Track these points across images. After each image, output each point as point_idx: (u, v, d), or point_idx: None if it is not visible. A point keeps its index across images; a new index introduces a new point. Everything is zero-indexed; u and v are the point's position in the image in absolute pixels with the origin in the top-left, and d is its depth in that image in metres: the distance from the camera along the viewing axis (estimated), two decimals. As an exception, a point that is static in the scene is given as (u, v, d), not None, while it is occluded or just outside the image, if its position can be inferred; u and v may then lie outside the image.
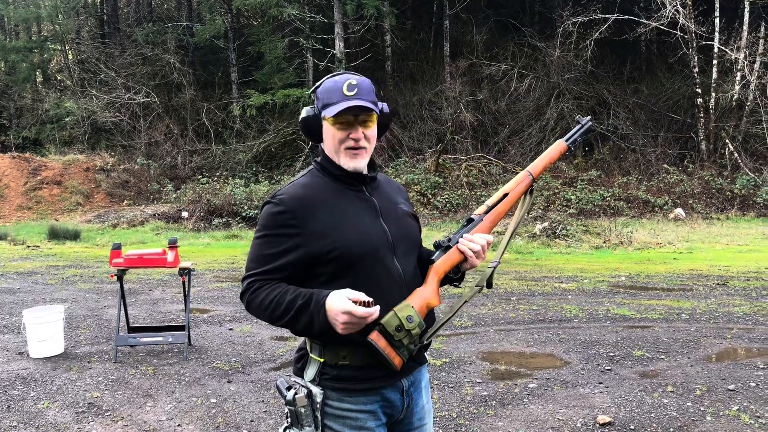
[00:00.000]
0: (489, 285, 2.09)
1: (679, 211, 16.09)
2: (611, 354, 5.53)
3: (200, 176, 19.77)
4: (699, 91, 19.34)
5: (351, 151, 1.91)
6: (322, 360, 1.89)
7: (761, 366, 5.16)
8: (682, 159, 19.14)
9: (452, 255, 2.01)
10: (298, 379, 1.93)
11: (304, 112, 1.96)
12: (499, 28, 24.33)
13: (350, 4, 21.54)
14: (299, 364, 1.97)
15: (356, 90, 1.88)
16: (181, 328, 5.82)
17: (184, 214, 16.58)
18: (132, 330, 5.87)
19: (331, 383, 1.89)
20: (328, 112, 1.89)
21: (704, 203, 16.60)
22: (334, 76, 1.95)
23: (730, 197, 16.75)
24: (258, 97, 21.18)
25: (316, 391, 1.88)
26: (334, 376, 1.88)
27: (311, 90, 1.98)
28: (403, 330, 1.82)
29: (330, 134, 1.92)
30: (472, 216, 2.10)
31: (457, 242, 2.01)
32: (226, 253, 12.57)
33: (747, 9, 19.30)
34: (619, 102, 21.28)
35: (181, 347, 5.81)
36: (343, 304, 1.73)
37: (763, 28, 19.36)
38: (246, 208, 16.12)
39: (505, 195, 2.12)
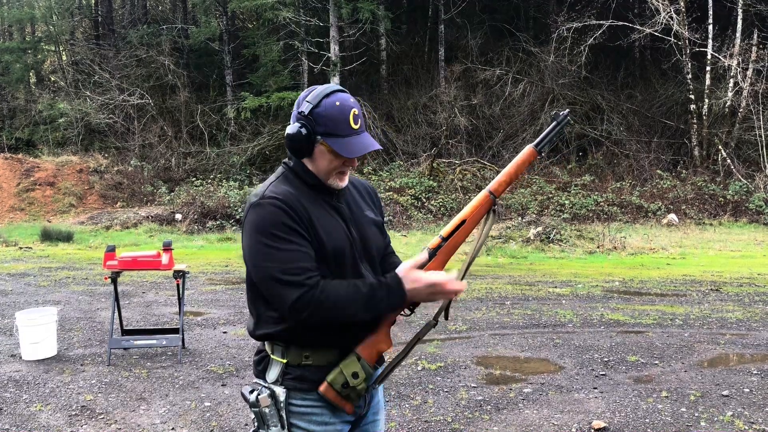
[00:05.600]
0: (445, 317, 2.02)
1: (672, 216, 16.15)
2: (606, 359, 5.54)
3: (194, 178, 19.72)
4: (692, 97, 19.42)
5: (341, 175, 1.95)
6: (284, 361, 1.91)
7: (755, 372, 5.17)
8: (675, 165, 19.21)
9: None
10: (260, 381, 1.96)
11: (294, 129, 1.87)
12: (494, 33, 24.40)
13: (345, 8, 21.56)
14: (260, 366, 1.99)
15: (360, 122, 1.90)
16: (175, 331, 5.79)
17: (178, 216, 16.53)
18: (125, 333, 5.85)
19: (294, 383, 1.91)
20: (342, 150, 1.87)
21: (697, 209, 16.66)
22: (330, 97, 1.88)
23: (722, 203, 16.81)
24: (253, 100, 21.17)
25: (279, 390, 1.90)
26: (297, 375, 1.91)
27: (305, 108, 1.87)
28: (349, 387, 1.88)
29: (326, 159, 1.90)
30: (425, 248, 1.98)
31: None
32: (220, 255, 12.53)
33: (740, 16, 19.44)
34: (612, 107, 21.36)
35: (174, 350, 5.78)
36: (428, 277, 1.89)
37: (755, 36, 19.47)
38: (240, 210, 16.06)
39: (463, 222, 1.98)
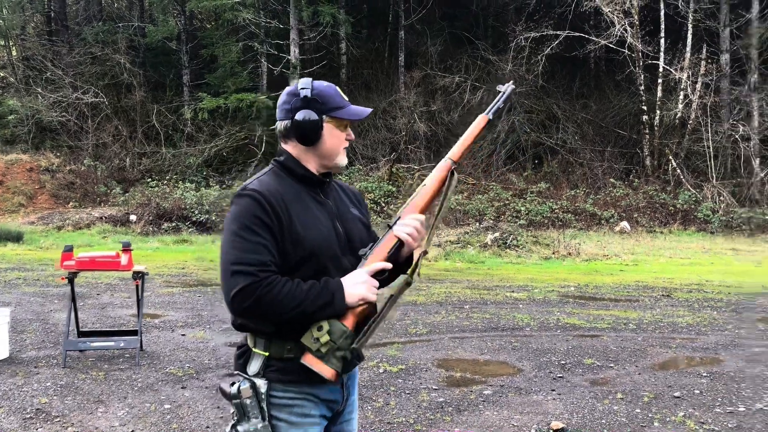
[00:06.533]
0: (417, 273, 2.07)
1: (625, 224, 16.56)
2: (563, 362, 5.66)
3: (149, 179, 19.39)
4: (644, 108, 19.99)
5: (345, 150, 2.05)
6: (266, 354, 1.92)
7: (704, 374, 5.35)
8: (628, 174, 19.72)
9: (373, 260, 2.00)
10: (241, 374, 1.96)
11: (305, 114, 1.96)
12: (453, 40, 24.66)
13: (306, 11, 21.55)
14: (241, 360, 1.99)
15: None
16: (133, 332, 5.70)
17: (132, 217, 16.24)
18: (82, 334, 5.73)
19: (276, 375, 1.92)
20: (350, 115, 2.01)
21: (648, 217, 17.13)
22: (315, 81, 2.01)
23: (672, 212, 17.32)
24: (210, 101, 20.96)
25: (260, 382, 1.91)
26: (280, 368, 1.92)
27: (306, 93, 1.98)
28: (318, 341, 1.86)
29: (336, 135, 2.01)
30: (389, 223, 2.06)
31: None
32: (176, 258, 12.36)
33: (690, 31, 20.08)
34: (568, 117, 21.80)
35: (132, 352, 5.69)
36: (362, 278, 1.92)
37: (705, 50, 20.14)
38: (197, 212, 15.88)
39: (423, 186, 2.09)
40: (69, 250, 5.43)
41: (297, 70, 21.62)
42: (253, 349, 1.95)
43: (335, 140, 2.01)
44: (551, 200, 17.77)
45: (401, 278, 2.02)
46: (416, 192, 2.09)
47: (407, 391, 4.87)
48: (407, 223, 2.01)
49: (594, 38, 20.04)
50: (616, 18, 19.24)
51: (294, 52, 21.82)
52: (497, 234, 13.45)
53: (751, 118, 19.55)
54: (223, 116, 21.91)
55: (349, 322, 1.91)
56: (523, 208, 16.99)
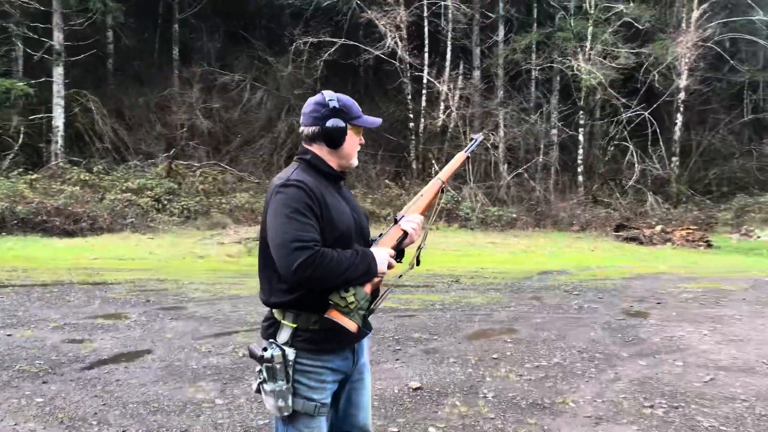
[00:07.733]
0: (418, 263, 2.66)
1: (399, 221, 18.09)
2: (396, 337, 6.43)
3: None
4: (411, 116, 21.91)
5: (357, 153, 2.51)
6: (295, 325, 2.33)
7: (508, 340, 6.46)
8: (399, 175, 21.47)
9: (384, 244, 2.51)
10: (273, 342, 2.33)
11: (336, 122, 2.39)
12: (231, 38, 24.67)
13: (74, -5, 20.17)
14: (270, 330, 2.38)
15: None
16: (-37, 333, 5.31)
17: None
18: None
19: (303, 344, 2.33)
20: (368, 124, 2.48)
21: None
22: (338, 93, 2.47)
23: (438, 210, 19.26)
24: (-43, 85, 18.66)
25: (289, 351, 2.31)
26: (306, 338, 2.33)
27: (335, 104, 2.40)
28: (345, 299, 2.28)
29: (353, 140, 2.46)
30: (396, 217, 2.61)
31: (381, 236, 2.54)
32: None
33: (449, 48, 22.46)
34: (344, 120, 23.01)
35: (-37, 354, 5.31)
36: (386, 253, 2.39)
37: (461, 66, 22.66)
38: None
39: (421, 196, 2.66)
40: None
41: (61, 57, 20.11)
42: (282, 322, 2.34)
43: (353, 144, 2.46)
44: (332, 199, 18.73)
45: (407, 267, 2.61)
46: (415, 199, 2.68)
47: (272, 370, 5.25)
48: (412, 219, 2.56)
49: (368, 48, 21.47)
50: (388, 31, 20.84)
51: (58, 38, 20.22)
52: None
53: (498, 129, 22.43)
54: (-29, 103, 19.59)
55: (367, 288, 2.37)
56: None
